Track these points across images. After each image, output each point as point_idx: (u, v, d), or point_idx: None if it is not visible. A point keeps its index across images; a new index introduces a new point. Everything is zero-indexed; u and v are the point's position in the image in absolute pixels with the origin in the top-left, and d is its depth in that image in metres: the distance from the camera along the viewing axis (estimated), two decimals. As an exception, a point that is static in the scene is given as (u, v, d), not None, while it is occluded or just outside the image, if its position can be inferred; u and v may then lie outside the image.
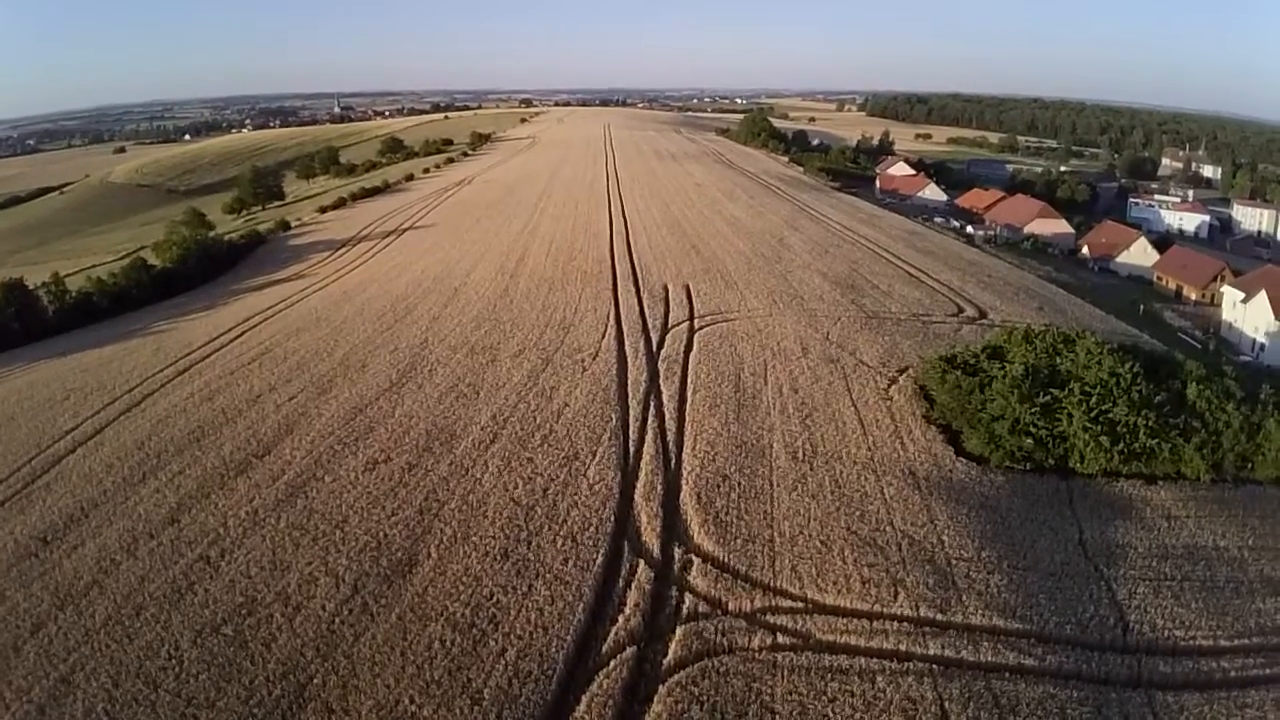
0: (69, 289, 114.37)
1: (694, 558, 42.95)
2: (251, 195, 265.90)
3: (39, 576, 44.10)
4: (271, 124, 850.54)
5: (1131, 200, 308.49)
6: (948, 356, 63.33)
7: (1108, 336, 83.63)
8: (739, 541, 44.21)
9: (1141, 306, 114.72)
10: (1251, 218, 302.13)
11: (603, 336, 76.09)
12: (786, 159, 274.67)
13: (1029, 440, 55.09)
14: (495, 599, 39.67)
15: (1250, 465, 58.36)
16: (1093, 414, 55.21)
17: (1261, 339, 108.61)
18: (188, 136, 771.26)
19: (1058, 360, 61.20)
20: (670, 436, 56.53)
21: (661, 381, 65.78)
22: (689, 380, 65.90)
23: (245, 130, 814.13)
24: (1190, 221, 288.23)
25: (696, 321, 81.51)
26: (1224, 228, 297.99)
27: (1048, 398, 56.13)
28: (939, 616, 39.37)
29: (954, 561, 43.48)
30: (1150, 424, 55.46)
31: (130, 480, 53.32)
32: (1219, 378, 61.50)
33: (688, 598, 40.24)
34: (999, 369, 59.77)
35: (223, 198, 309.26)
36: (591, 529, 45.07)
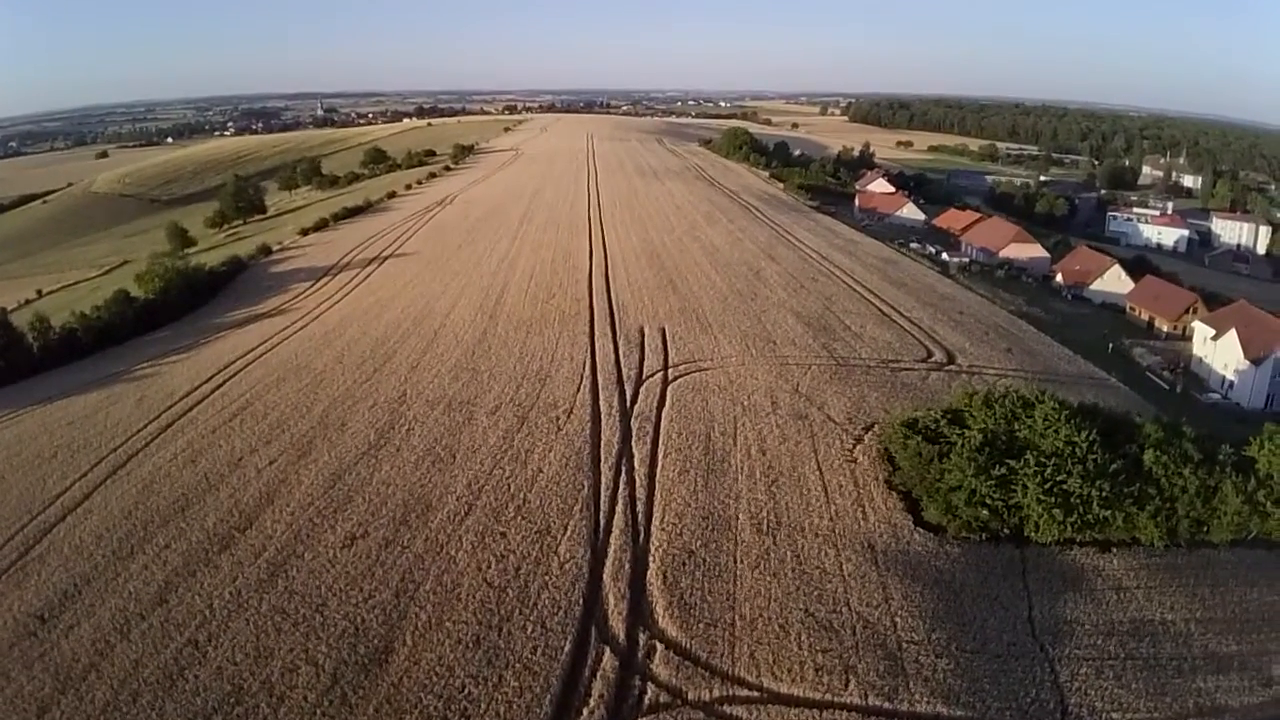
0: (53, 325, 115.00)
1: (657, 644, 44.98)
2: (233, 209, 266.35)
3: (39, 658, 45.90)
4: (254, 126, 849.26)
5: (1110, 214, 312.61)
6: (909, 421, 65.32)
7: (1071, 387, 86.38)
8: (701, 625, 46.25)
9: (1110, 344, 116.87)
10: (1231, 231, 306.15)
11: (578, 390, 77.88)
12: (767, 174, 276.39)
13: (985, 511, 57.32)
14: (467, 691, 41.57)
15: (1206, 528, 60.82)
16: (1047, 486, 57.38)
17: (1231, 376, 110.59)
18: (170, 139, 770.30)
19: (1016, 426, 63.24)
20: (640, 506, 58.44)
21: (634, 442, 67.70)
22: (660, 441, 67.86)
23: (228, 133, 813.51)
24: (1169, 236, 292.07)
25: (671, 371, 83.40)
26: (1203, 241, 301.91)
27: (1004, 470, 58.23)
28: (886, 705, 41.57)
29: (904, 645, 45.64)
30: (1104, 494, 57.65)
31: (120, 554, 54.90)
32: (1178, 440, 63.55)
33: (650, 687, 42.22)
34: (959, 435, 61.89)
35: (205, 209, 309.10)
36: (560, 613, 47.00)
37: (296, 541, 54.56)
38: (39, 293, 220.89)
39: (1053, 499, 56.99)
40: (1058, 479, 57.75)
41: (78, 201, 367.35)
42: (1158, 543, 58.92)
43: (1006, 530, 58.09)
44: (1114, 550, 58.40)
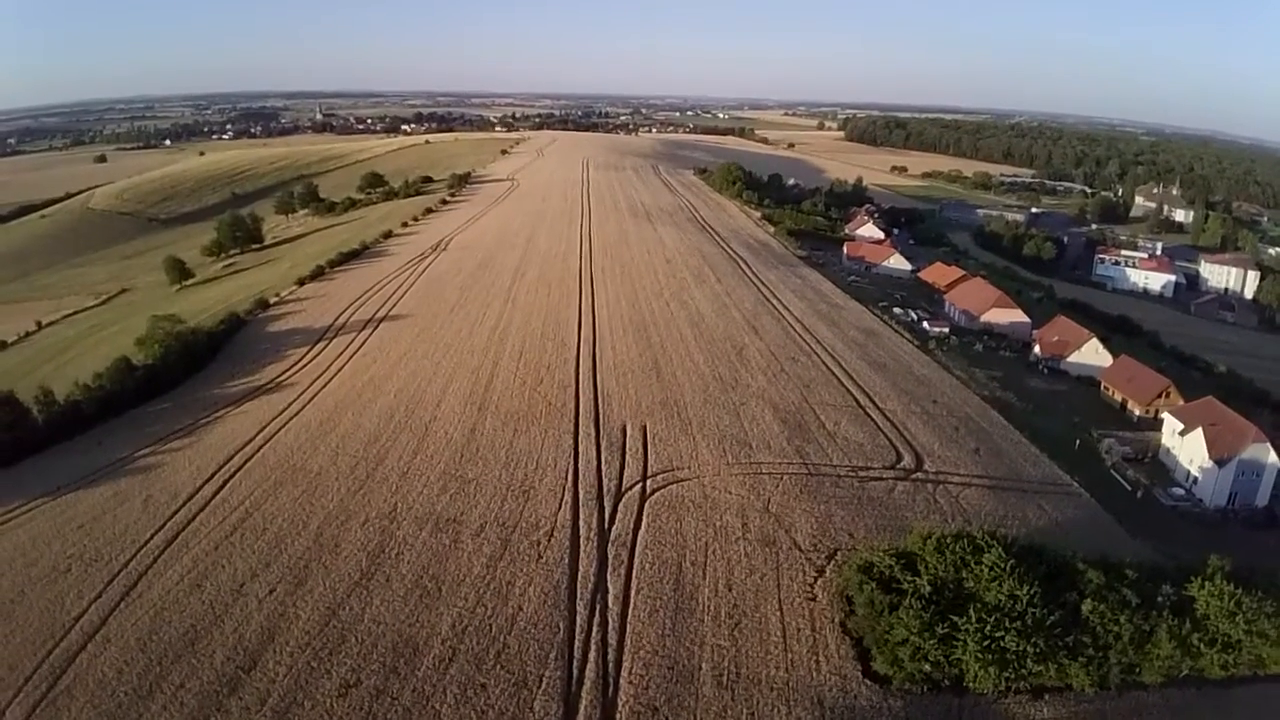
0: (57, 399, 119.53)
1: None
2: (231, 239, 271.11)
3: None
4: (253, 129, 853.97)
5: (1098, 256, 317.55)
6: (865, 565, 70.03)
7: (1031, 498, 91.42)
8: (659, 801, 51.00)
9: (1078, 440, 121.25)
10: (1219, 275, 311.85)
11: (559, 508, 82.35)
12: (759, 214, 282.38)
13: (928, 665, 62.28)
14: None
15: (1138, 670, 65.79)
16: (986, 643, 62.27)
17: (1195, 473, 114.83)
18: (168, 141, 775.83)
19: (964, 574, 67.98)
20: (611, 653, 63.04)
21: (609, 574, 72.29)
22: (634, 573, 72.46)
23: (226, 136, 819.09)
24: (1156, 281, 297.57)
25: (649, 482, 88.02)
26: (1191, 285, 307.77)
27: (947, 627, 63.07)
28: None
29: (839, 823, 50.46)
30: (1039, 649, 62.66)
31: (139, 692, 59.13)
32: (1118, 584, 68.57)
33: None
34: (910, 582, 66.68)
35: (202, 229, 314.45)
36: (533, 785, 51.72)
37: (296, 688, 58.90)
38: (39, 324, 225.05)
39: (990, 656, 61.94)
40: (996, 635, 62.67)
41: (75, 219, 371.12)
42: (1088, 689, 63.94)
43: (947, 681, 63.04)
44: (1046, 697, 63.43)
